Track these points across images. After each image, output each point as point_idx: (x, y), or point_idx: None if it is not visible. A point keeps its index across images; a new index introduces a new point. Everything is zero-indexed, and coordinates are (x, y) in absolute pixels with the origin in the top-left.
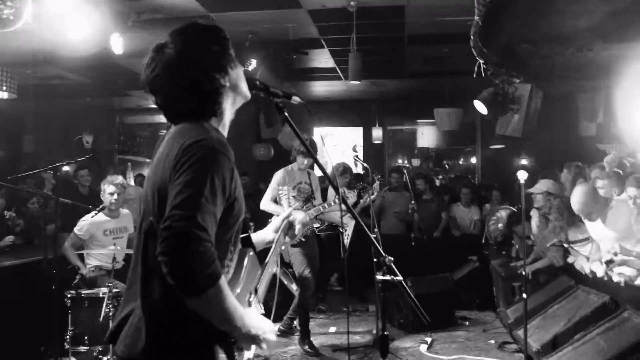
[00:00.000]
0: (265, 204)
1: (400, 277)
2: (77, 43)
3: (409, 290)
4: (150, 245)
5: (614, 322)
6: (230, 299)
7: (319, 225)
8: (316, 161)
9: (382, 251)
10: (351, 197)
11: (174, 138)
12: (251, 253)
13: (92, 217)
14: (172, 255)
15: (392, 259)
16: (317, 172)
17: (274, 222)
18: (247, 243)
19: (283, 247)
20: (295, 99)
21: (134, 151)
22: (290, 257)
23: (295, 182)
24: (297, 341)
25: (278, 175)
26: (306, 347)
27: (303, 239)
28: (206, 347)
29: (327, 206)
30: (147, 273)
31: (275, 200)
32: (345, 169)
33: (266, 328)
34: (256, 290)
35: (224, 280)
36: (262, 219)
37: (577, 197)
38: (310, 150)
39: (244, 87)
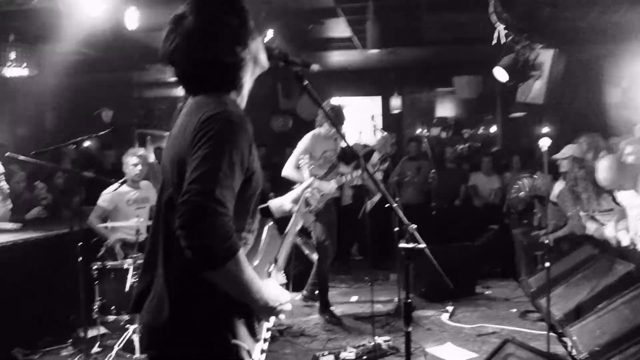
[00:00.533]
0: (288, 171)
1: (424, 244)
2: (94, 18)
3: (432, 258)
4: (170, 216)
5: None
6: (248, 272)
7: (337, 195)
8: (337, 130)
9: (404, 219)
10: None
11: (192, 111)
12: (271, 223)
13: (115, 189)
14: (190, 230)
15: (415, 226)
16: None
17: (294, 192)
18: (266, 213)
19: (303, 219)
20: (314, 67)
21: (152, 125)
22: (309, 225)
23: (323, 149)
24: (318, 311)
25: (305, 142)
26: (327, 317)
27: (323, 209)
28: (227, 318)
29: (348, 177)
30: (168, 244)
31: (299, 167)
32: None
33: (283, 299)
34: (276, 260)
35: (242, 253)
36: (282, 187)
37: (603, 173)
38: (332, 120)
39: (263, 57)
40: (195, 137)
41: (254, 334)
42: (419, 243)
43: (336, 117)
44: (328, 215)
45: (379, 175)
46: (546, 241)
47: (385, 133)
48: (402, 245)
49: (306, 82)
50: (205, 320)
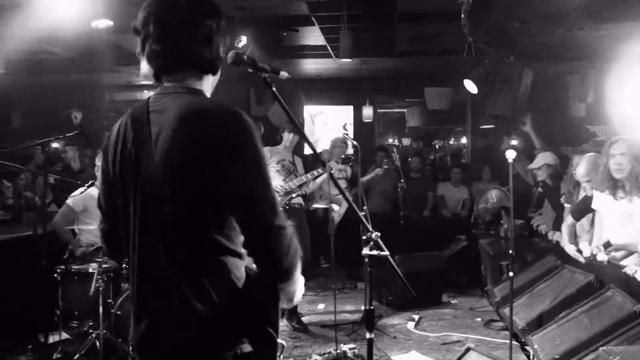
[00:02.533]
0: None
1: (386, 252)
2: (66, 19)
3: (395, 266)
4: (183, 235)
5: (598, 301)
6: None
7: (303, 193)
8: (302, 135)
9: (369, 227)
10: (341, 172)
11: (184, 113)
12: None
13: (82, 192)
14: (276, 261)
15: (379, 234)
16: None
17: None
18: None
19: None
20: (283, 74)
21: None
22: None
23: (279, 158)
24: (285, 317)
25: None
26: (294, 324)
27: (287, 207)
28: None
29: (309, 176)
30: (189, 274)
31: None
32: (344, 142)
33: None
34: None
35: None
36: None
37: (581, 167)
38: (297, 124)
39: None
40: (227, 148)
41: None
42: (382, 251)
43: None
44: (296, 220)
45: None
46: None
47: (355, 142)
48: (366, 252)
49: (274, 88)
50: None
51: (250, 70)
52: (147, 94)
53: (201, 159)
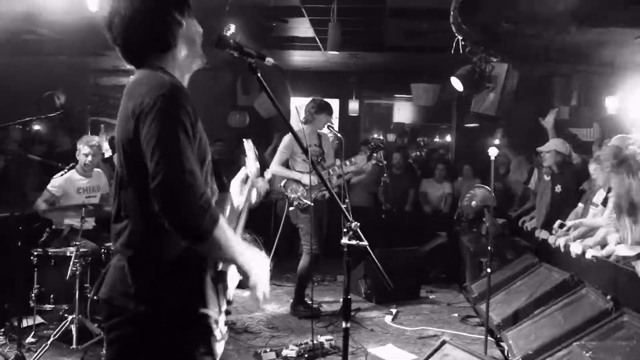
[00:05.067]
0: (275, 168)
1: (365, 242)
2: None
3: (373, 256)
4: (124, 196)
5: (572, 298)
6: (231, 235)
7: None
8: (288, 125)
9: (349, 217)
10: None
11: (132, 87)
12: (232, 199)
13: (62, 174)
14: (172, 210)
15: (359, 224)
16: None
17: (233, 186)
18: (225, 188)
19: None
20: (269, 60)
21: (107, 113)
22: (297, 221)
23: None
24: (291, 304)
25: (286, 139)
26: (301, 309)
27: (312, 203)
28: (195, 289)
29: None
30: (124, 220)
31: (285, 164)
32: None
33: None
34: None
35: (222, 219)
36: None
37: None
38: (282, 112)
39: (198, 42)
40: (141, 115)
41: (219, 305)
42: (361, 240)
43: (328, 108)
44: (316, 212)
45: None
46: (489, 248)
47: (339, 134)
48: (344, 241)
49: (259, 73)
50: (173, 292)
51: (235, 54)
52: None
53: (129, 124)
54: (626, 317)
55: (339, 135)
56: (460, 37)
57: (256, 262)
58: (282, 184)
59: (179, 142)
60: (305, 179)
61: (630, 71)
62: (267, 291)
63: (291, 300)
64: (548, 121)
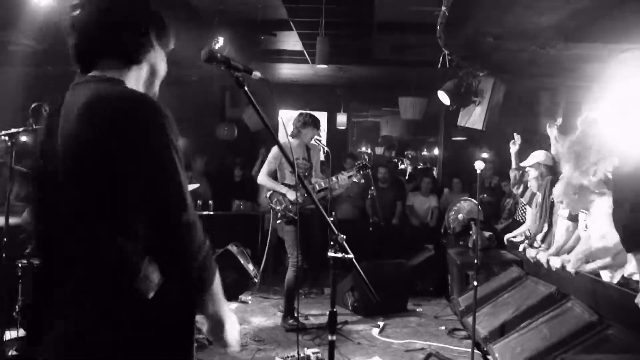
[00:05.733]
0: (262, 179)
1: (351, 255)
2: (39, 8)
3: (359, 269)
4: (88, 232)
5: (558, 311)
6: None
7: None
8: (274, 139)
9: (335, 230)
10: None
11: (89, 101)
12: None
13: None
14: (188, 264)
15: (344, 237)
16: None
17: None
18: None
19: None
20: (256, 74)
21: None
22: (283, 233)
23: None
24: (281, 318)
25: (274, 150)
26: (290, 322)
27: (296, 217)
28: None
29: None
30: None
31: (273, 175)
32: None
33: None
34: None
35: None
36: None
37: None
38: (268, 126)
39: (158, 78)
40: (128, 136)
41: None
42: (347, 253)
43: (316, 123)
44: (301, 225)
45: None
46: (476, 261)
47: (326, 148)
48: (330, 254)
49: (246, 87)
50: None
51: (222, 68)
52: None
53: (100, 147)
54: (611, 330)
55: (326, 149)
56: (447, 52)
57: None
58: (268, 195)
59: (180, 180)
60: (290, 194)
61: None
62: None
63: (278, 313)
64: (512, 148)
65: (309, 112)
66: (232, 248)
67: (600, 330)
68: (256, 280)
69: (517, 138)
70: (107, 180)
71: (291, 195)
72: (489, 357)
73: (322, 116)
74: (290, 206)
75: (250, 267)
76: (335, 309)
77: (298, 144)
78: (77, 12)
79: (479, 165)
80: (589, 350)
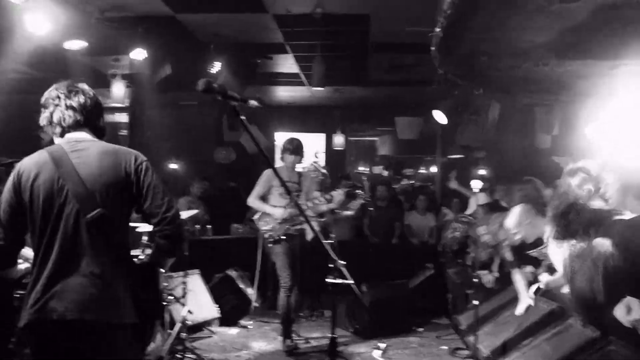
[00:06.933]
0: (252, 201)
1: (350, 281)
2: (37, 37)
3: (358, 294)
4: (112, 230)
5: (560, 329)
6: None
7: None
8: (270, 164)
9: (334, 256)
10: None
11: (108, 151)
12: None
13: None
14: (178, 243)
15: (344, 263)
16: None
17: None
18: None
19: None
20: (253, 103)
21: None
22: (273, 256)
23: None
24: (282, 335)
25: (265, 173)
26: (288, 342)
27: (284, 237)
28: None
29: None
30: (114, 253)
31: (263, 198)
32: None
33: None
34: None
35: None
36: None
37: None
38: (264, 153)
39: None
40: (140, 166)
41: None
42: (346, 279)
43: (295, 150)
44: (289, 245)
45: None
46: (475, 280)
47: (324, 170)
48: (329, 280)
49: (243, 117)
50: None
51: (219, 98)
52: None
53: (119, 178)
54: (612, 345)
55: (323, 170)
56: (442, 71)
57: None
58: (257, 217)
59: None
60: (276, 211)
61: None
62: None
63: (279, 337)
64: (453, 184)
65: (294, 137)
66: (232, 273)
67: (602, 347)
68: (257, 305)
69: (453, 176)
70: (121, 195)
71: (276, 212)
72: None
73: (320, 137)
74: (277, 227)
75: (249, 291)
76: (335, 335)
77: (289, 168)
78: (88, 104)
79: (476, 185)
80: None
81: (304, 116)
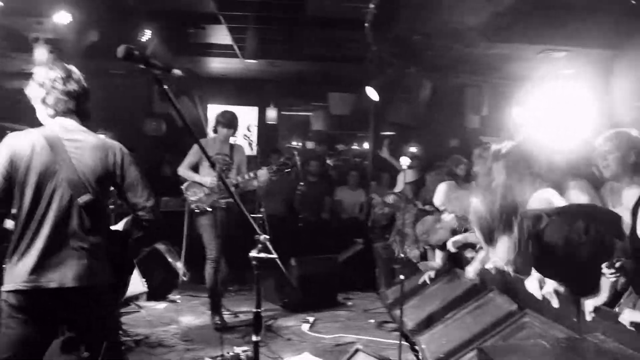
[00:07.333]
0: (182, 170)
1: (274, 255)
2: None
3: (283, 268)
4: (98, 213)
5: (481, 302)
6: None
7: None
8: (194, 138)
9: (258, 230)
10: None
11: (98, 145)
12: None
13: None
14: (152, 223)
15: (268, 237)
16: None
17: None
18: None
19: None
20: (176, 72)
21: (14, 118)
22: (199, 228)
23: (213, 153)
24: (210, 311)
25: (196, 144)
26: (217, 320)
27: (209, 209)
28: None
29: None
30: (99, 233)
31: (195, 168)
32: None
33: None
34: None
35: None
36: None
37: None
38: (188, 125)
39: None
40: (124, 162)
41: None
42: (270, 253)
43: (229, 123)
44: (214, 217)
45: None
46: (402, 256)
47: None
48: (253, 254)
49: (165, 86)
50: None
51: (141, 66)
52: None
53: (107, 172)
54: (527, 317)
55: (254, 144)
56: (376, 48)
57: None
58: (185, 186)
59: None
60: (206, 180)
61: (533, 84)
62: None
63: (207, 312)
64: (384, 153)
65: (228, 110)
66: (160, 246)
67: (518, 319)
68: (185, 279)
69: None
70: (107, 182)
71: (207, 181)
72: (416, 348)
73: (253, 111)
74: (205, 198)
75: (178, 265)
76: (260, 309)
77: (222, 140)
78: (80, 90)
79: (404, 162)
80: (506, 337)
81: (238, 89)
